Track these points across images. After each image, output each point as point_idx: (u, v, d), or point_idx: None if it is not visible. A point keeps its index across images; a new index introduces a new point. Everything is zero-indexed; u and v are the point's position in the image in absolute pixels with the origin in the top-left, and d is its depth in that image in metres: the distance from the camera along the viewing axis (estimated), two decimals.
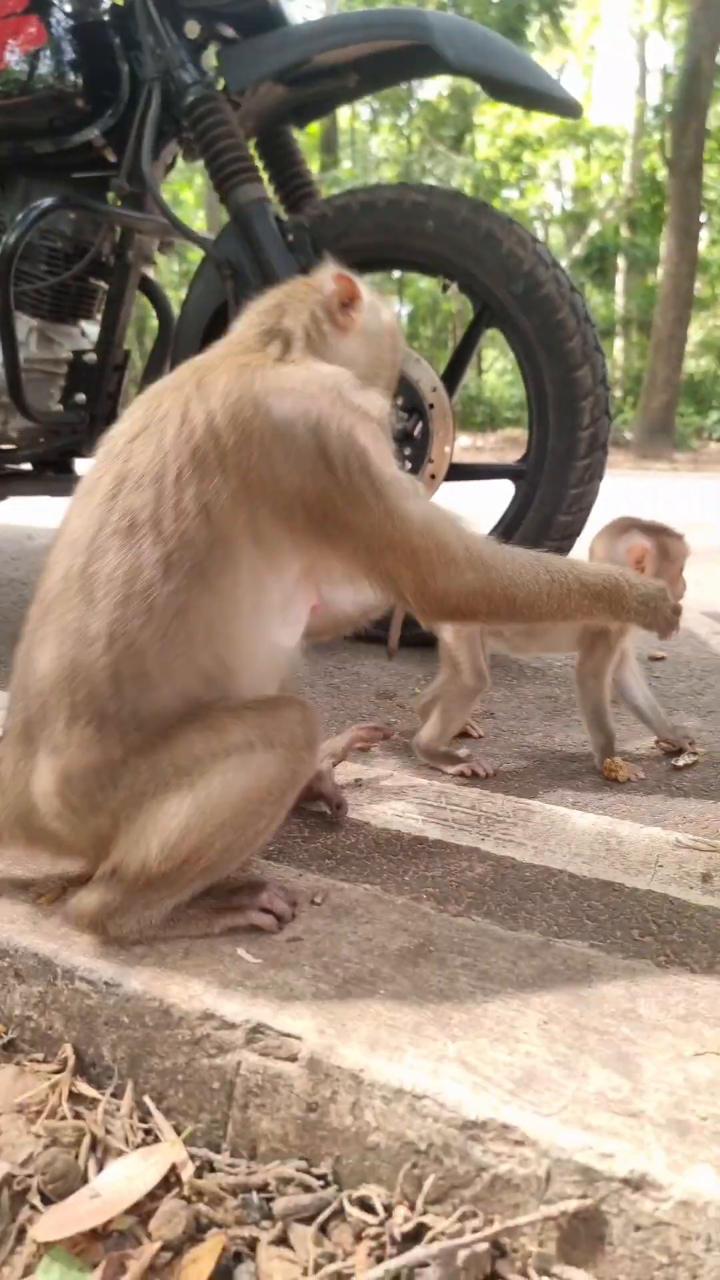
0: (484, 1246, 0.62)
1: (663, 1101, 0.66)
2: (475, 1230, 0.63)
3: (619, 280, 18.48)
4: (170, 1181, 0.69)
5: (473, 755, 1.26)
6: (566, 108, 1.55)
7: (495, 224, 1.52)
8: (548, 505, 1.59)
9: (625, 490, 6.33)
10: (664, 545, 1.25)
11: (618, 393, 17.29)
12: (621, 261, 18.13)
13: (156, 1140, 0.73)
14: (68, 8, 1.71)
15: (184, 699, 0.84)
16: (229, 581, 0.84)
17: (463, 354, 1.71)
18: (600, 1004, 0.76)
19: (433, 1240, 0.63)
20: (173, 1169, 0.70)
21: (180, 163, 1.94)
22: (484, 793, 1.19)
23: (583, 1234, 0.61)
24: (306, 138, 16.55)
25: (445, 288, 1.64)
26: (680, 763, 1.28)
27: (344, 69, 1.64)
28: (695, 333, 18.46)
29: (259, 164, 1.81)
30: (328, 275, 1.02)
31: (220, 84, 1.60)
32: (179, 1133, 0.73)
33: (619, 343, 18.92)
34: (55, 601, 0.84)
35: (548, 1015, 0.74)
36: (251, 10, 1.60)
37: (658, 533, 1.27)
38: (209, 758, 0.81)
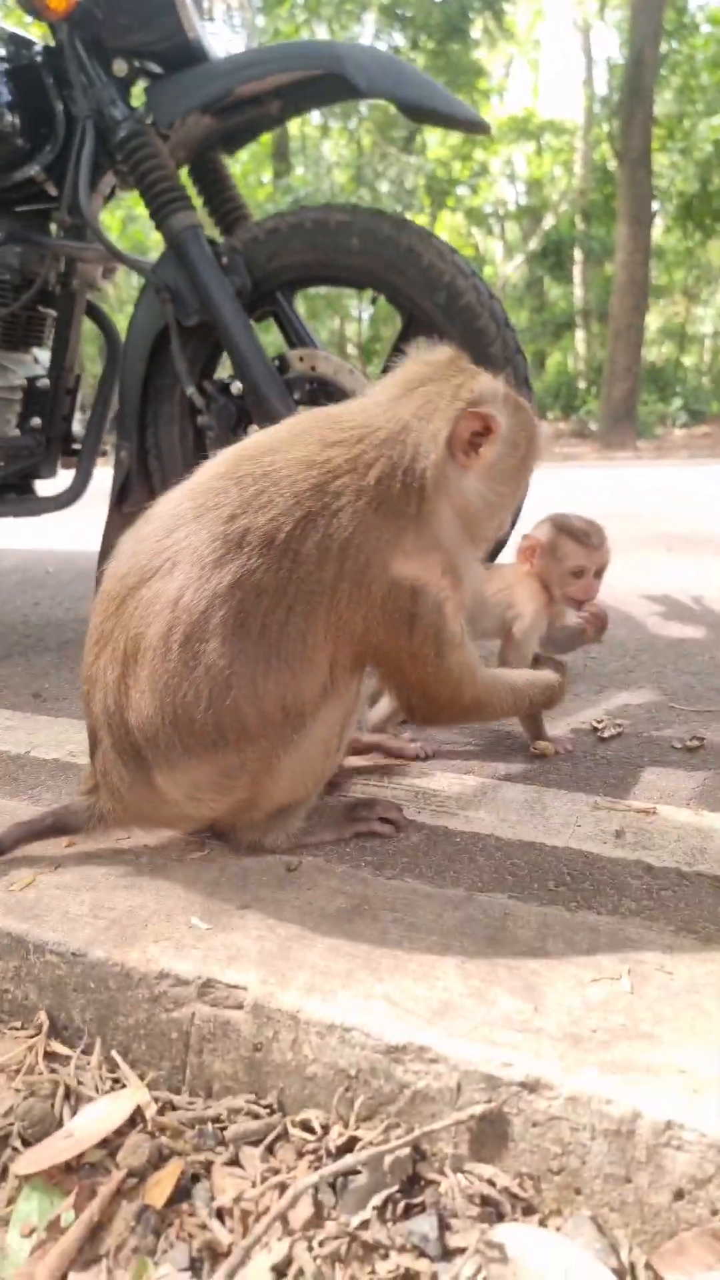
0: (406, 1151, 0.72)
1: (560, 1020, 0.75)
2: (398, 1138, 0.72)
3: (577, 272, 18.70)
4: (136, 1120, 0.78)
5: (416, 738, 1.36)
6: (473, 125, 1.66)
7: (415, 239, 1.62)
8: None
9: (571, 483, 6.47)
10: (555, 544, 1.33)
11: (581, 384, 17.51)
12: (578, 253, 18.35)
13: (124, 1087, 0.82)
14: (1, 51, 1.79)
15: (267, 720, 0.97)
16: (305, 668, 0.97)
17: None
18: (513, 945, 0.86)
19: (362, 1150, 0.72)
20: (138, 1110, 0.79)
21: None
22: (425, 771, 1.29)
23: (489, 1134, 0.71)
24: (259, 145, 16.65)
25: (374, 300, 1.74)
26: (606, 734, 1.38)
27: (266, 98, 1.73)
28: (655, 320, 18.76)
29: (193, 190, 1.91)
30: (461, 410, 0.99)
31: (150, 118, 1.69)
32: (143, 1079, 0.82)
33: (580, 334, 19.15)
34: (150, 656, 0.95)
35: (466, 957, 0.84)
36: (174, 47, 1.68)
37: (559, 531, 1.35)
38: (314, 710, 0.99)
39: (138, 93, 1.76)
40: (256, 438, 1.05)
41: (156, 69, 1.75)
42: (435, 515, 0.99)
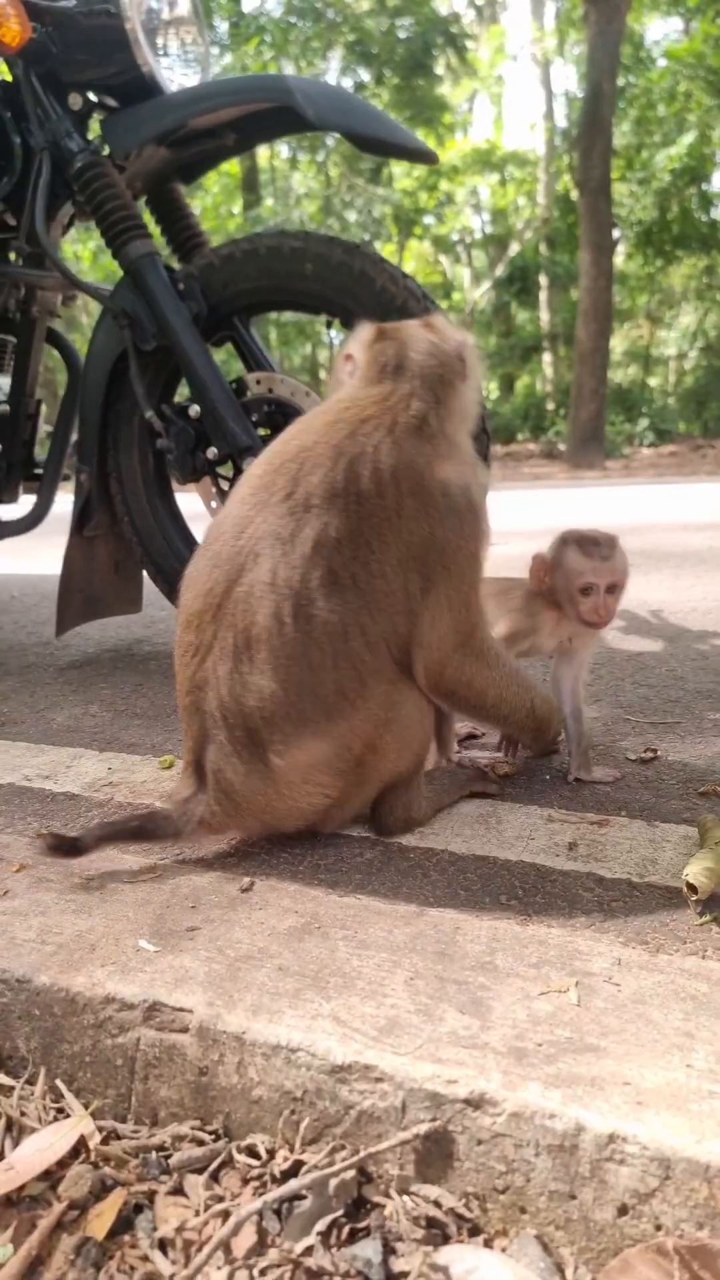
0: (351, 1174, 0.71)
1: (506, 1034, 0.75)
2: (344, 1160, 0.71)
3: (542, 297, 19.11)
4: (79, 1151, 0.77)
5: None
6: (420, 155, 1.70)
7: (368, 264, 1.65)
8: None
9: (540, 503, 6.56)
10: (561, 557, 1.24)
11: (549, 406, 17.82)
12: (543, 279, 18.77)
13: (68, 1117, 0.80)
14: None
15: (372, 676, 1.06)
16: (393, 606, 1.07)
17: None
18: (463, 960, 0.86)
19: (306, 1173, 0.71)
20: (81, 1140, 0.77)
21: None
22: None
23: (435, 1153, 0.70)
24: (229, 178, 16.90)
25: (329, 324, 1.77)
26: (563, 747, 1.39)
27: (221, 130, 1.77)
28: (620, 343, 19.18)
29: (151, 219, 1.93)
30: (453, 329, 1.17)
31: (105, 149, 1.71)
32: (88, 1108, 0.80)
33: (547, 357, 19.52)
34: (267, 635, 1.02)
35: (415, 973, 0.84)
36: (129, 81, 1.72)
37: (564, 542, 1.25)
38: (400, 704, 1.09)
39: (95, 126, 1.79)
40: (281, 436, 1.15)
41: (112, 102, 1.78)
42: (452, 425, 1.12)
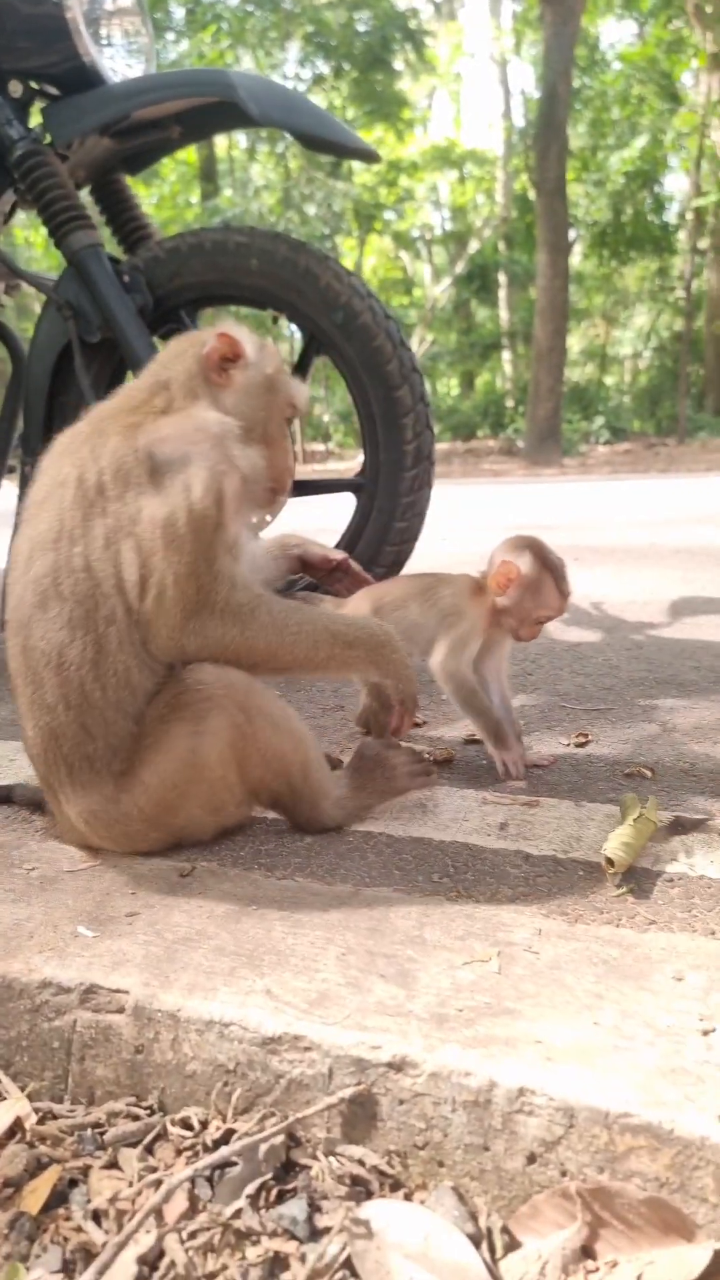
0: (280, 1139, 0.73)
1: (429, 1002, 0.79)
2: (273, 1126, 0.74)
3: (502, 295, 19.30)
4: (15, 1131, 0.78)
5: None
6: (363, 154, 1.73)
7: (313, 261, 1.67)
8: (384, 513, 1.74)
9: (497, 498, 6.66)
10: (539, 587, 1.23)
11: (509, 403, 18.00)
12: (502, 277, 18.95)
13: (4, 1100, 0.81)
14: None
15: (136, 718, 1.01)
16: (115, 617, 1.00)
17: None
18: (393, 935, 0.89)
19: (238, 1141, 0.74)
20: (17, 1121, 0.79)
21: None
22: None
23: (359, 1115, 0.74)
24: (187, 167, 16.70)
25: (275, 320, 1.79)
26: None
27: (166, 122, 1.77)
28: (577, 342, 19.49)
29: (97, 210, 1.93)
30: (211, 333, 1.11)
31: (47, 138, 1.70)
32: (24, 1090, 0.82)
33: (506, 355, 19.73)
34: (17, 677, 1.03)
35: (347, 948, 0.87)
36: (71, 71, 1.71)
37: (547, 574, 1.23)
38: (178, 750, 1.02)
39: (38, 115, 1.77)
40: None
41: (54, 91, 1.77)
42: (193, 410, 1.06)
